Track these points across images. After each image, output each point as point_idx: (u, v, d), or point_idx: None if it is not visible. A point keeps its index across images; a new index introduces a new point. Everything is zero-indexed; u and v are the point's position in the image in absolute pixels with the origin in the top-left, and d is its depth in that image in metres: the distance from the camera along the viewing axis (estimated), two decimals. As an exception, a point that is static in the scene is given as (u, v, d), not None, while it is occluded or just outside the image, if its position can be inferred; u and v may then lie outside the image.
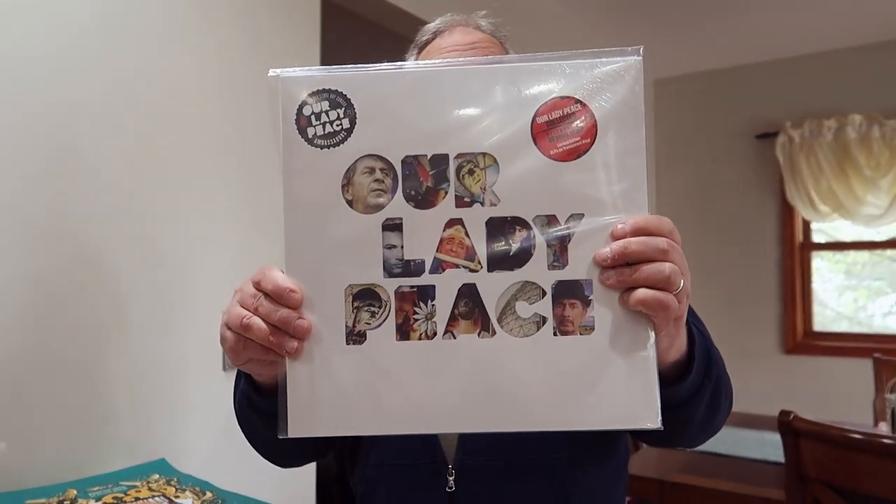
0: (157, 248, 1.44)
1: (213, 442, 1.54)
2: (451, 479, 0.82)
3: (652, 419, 0.58)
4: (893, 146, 3.34)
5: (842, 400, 3.38)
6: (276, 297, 0.59)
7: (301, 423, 0.60)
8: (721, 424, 0.80)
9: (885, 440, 1.36)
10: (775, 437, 1.98)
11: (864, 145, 3.39)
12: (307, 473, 1.75)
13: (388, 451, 0.86)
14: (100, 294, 1.33)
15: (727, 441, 2.08)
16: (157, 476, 1.28)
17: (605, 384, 0.59)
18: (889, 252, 3.58)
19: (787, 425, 1.51)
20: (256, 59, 1.64)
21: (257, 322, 0.59)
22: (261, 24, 1.67)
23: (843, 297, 3.71)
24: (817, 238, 3.74)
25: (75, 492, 1.16)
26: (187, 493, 1.19)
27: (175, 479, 1.27)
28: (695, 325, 0.72)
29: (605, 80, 0.60)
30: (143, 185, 1.41)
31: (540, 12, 2.90)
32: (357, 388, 0.60)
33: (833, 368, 3.51)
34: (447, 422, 0.61)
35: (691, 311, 0.73)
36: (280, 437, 0.60)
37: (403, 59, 0.95)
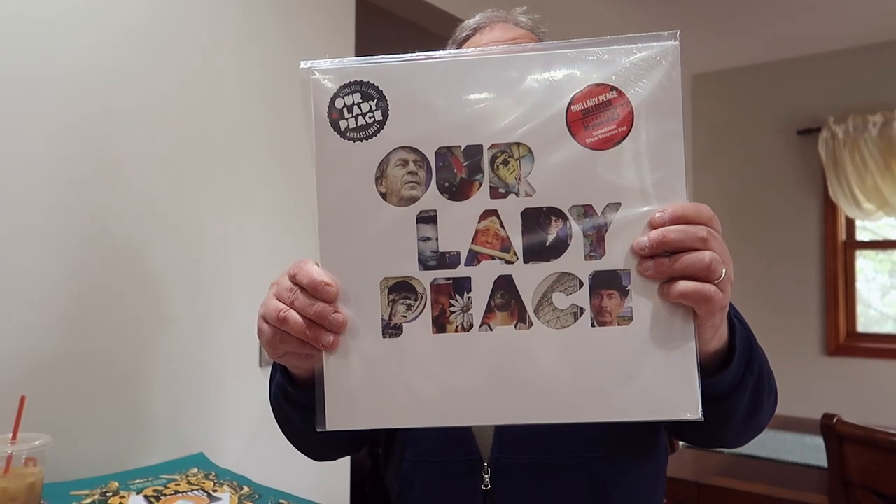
0: (194, 247, 1.46)
1: (250, 437, 1.56)
2: (486, 476, 0.81)
3: (692, 410, 0.57)
4: (942, 142, 3.23)
5: (886, 403, 3.29)
6: (312, 290, 0.59)
7: (338, 417, 0.60)
8: (764, 423, 0.78)
9: (934, 446, 1.32)
10: (816, 441, 1.94)
11: (912, 141, 3.29)
12: (342, 469, 1.77)
13: (423, 448, 0.86)
14: (139, 293, 1.36)
15: (766, 444, 2.04)
16: (195, 470, 1.30)
17: (645, 375, 0.58)
18: (937, 251, 3.47)
19: (831, 429, 1.48)
20: (293, 58, 1.66)
21: (293, 316, 0.60)
22: (297, 24, 1.68)
23: (887, 297, 3.60)
24: (861, 236, 3.64)
25: (117, 484, 1.18)
26: (225, 487, 1.21)
27: (213, 474, 1.29)
28: (736, 318, 0.71)
29: (642, 66, 0.58)
30: (181, 185, 1.44)
31: (575, 7, 2.87)
32: (394, 381, 0.60)
33: (877, 371, 3.42)
34: (484, 414, 0.60)
35: (731, 305, 0.72)
36: (318, 430, 0.60)
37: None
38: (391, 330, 0.60)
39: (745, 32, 3.39)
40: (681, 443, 2.19)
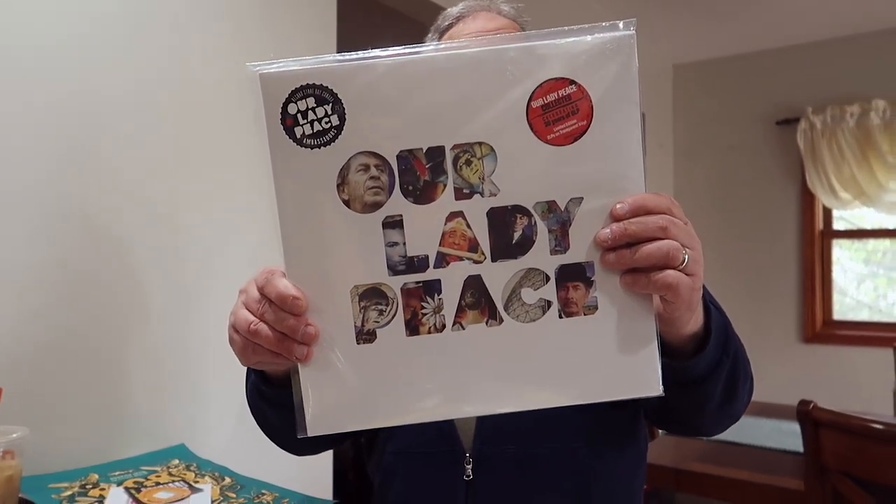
0: (177, 237, 1.45)
1: (232, 428, 1.55)
2: (468, 467, 0.82)
3: (654, 387, 0.61)
4: (918, 132, 3.28)
5: (861, 390, 3.35)
6: (280, 304, 0.58)
7: (319, 422, 0.61)
8: (741, 410, 0.79)
9: (907, 431, 1.35)
10: (793, 427, 1.97)
11: (888, 131, 3.33)
12: (324, 459, 1.77)
13: (405, 440, 0.87)
14: (120, 282, 1.35)
15: (744, 430, 2.07)
16: (176, 461, 1.29)
17: (609, 358, 0.60)
18: (911, 240, 3.53)
19: (807, 415, 1.50)
20: (276, 48, 1.64)
21: (264, 329, 0.60)
22: (278, 10, 1.66)
23: (862, 285, 3.67)
24: (838, 226, 3.69)
25: (97, 476, 1.17)
26: (206, 478, 1.21)
27: (194, 465, 1.28)
28: (712, 304, 0.71)
29: (599, 57, 0.58)
30: (164, 173, 1.42)
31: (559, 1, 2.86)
32: (372, 384, 0.60)
33: (852, 358, 3.48)
34: (462, 407, 0.62)
35: (709, 294, 0.72)
36: (299, 436, 0.60)
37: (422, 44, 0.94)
38: (365, 336, 0.60)
39: (725, 23, 3.41)
40: (660, 430, 2.22)
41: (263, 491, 1.16)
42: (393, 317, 0.60)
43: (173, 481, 1.18)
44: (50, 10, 1.24)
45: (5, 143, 1.18)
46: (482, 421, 0.83)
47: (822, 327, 3.61)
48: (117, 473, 1.20)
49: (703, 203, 3.83)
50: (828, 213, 3.67)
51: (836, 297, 3.65)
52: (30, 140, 1.21)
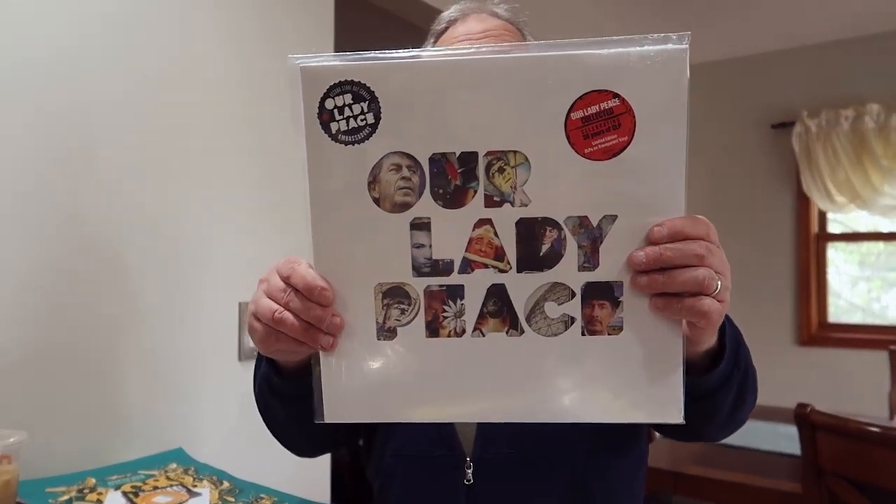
0: (171, 239, 1.44)
1: (229, 431, 1.55)
2: (469, 472, 0.82)
3: (675, 415, 0.59)
4: (912, 136, 3.29)
5: (856, 392, 3.36)
6: (308, 294, 0.59)
7: (336, 410, 0.61)
8: (745, 419, 0.80)
9: (903, 434, 1.35)
10: (789, 430, 1.98)
11: (882, 135, 3.34)
12: (322, 462, 1.76)
13: (405, 443, 0.86)
14: (115, 285, 1.34)
15: (740, 433, 2.05)
16: (174, 465, 1.29)
17: (631, 381, 0.59)
18: (905, 243, 3.54)
19: (805, 418, 1.50)
20: (271, 49, 1.64)
21: (289, 318, 0.60)
22: (274, 13, 1.66)
23: (856, 287, 3.68)
24: (832, 229, 3.70)
25: (94, 480, 1.17)
26: (205, 481, 1.20)
27: (192, 469, 1.28)
28: (728, 320, 0.71)
29: (647, 71, 0.55)
30: (157, 176, 1.42)
31: (558, 4, 2.87)
32: (388, 380, 0.61)
33: (847, 360, 3.49)
34: (477, 412, 0.62)
35: None
36: (316, 421, 0.61)
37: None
38: (385, 333, 0.60)
39: (720, 26, 3.42)
40: (657, 433, 2.22)
41: (262, 495, 1.16)
42: (414, 317, 0.60)
43: (171, 485, 1.17)
44: (42, 16, 1.24)
45: (2, 151, 1.18)
46: (483, 425, 0.83)
47: (817, 330, 3.62)
48: (115, 478, 1.19)
49: (698, 206, 3.83)
50: (823, 217, 3.68)
51: (831, 300, 3.66)
52: (24, 145, 1.21)
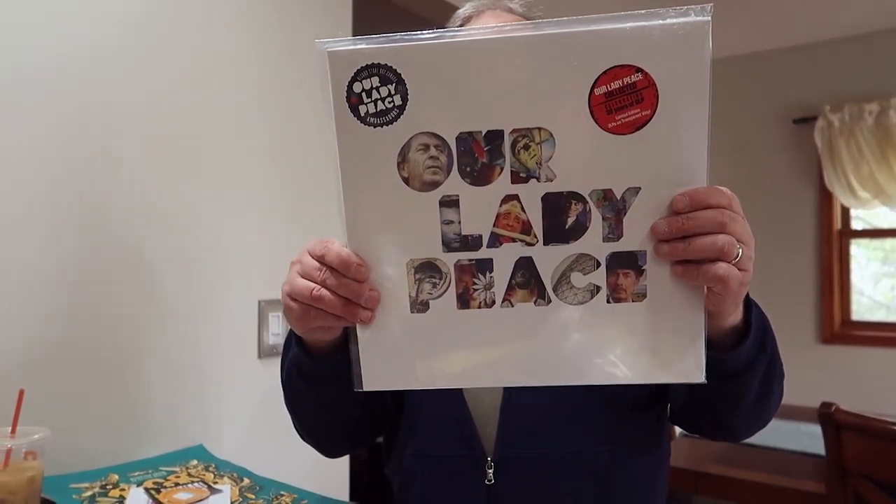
0: (191, 240, 1.45)
1: (249, 428, 1.55)
2: (490, 471, 0.81)
3: (697, 375, 0.61)
4: (938, 130, 3.23)
5: (878, 390, 3.31)
6: (344, 270, 0.61)
7: (373, 378, 0.65)
8: (770, 415, 0.79)
9: (931, 434, 1.33)
10: (812, 429, 1.95)
11: (907, 129, 3.29)
12: (341, 460, 1.77)
13: (425, 443, 0.86)
14: (137, 286, 1.35)
15: (763, 432, 2.05)
16: (195, 462, 1.30)
17: (655, 343, 0.61)
18: (931, 239, 3.48)
19: (829, 417, 1.48)
20: (291, 48, 1.64)
21: (327, 294, 0.62)
22: (293, 12, 1.67)
23: (879, 284, 3.62)
24: (856, 225, 3.65)
25: (117, 476, 1.18)
26: (225, 478, 1.21)
27: (213, 465, 1.29)
28: (753, 302, 0.72)
29: (669, 44, 0.56)
30: (178, 177, 1.42)
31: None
32: (422, 350, 0.64)
33: (870, 358, 3.44)
34: (508, 376, 0.65)
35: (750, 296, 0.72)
36: (355, 389, 0.65)
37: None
38: (419, 306, 0.63)
39: (740, 21, 3.37)
40: (677, 431, 2.20)
41: (282, 492, 1.16)
42: (446, 290, 0.62)
43: (192, 482, 1.18)
44: (61, 17, 1.25)
45: (24, 151, 1.19)
46: (503, 424, 0.82)
47: (840, 328, 3.57)
48: (137, 474, 1.20)
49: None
50: (846, 213, 3.63)
51: (854, 297, 3.61)
52: (45, 145, 1.22)
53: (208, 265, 1.48)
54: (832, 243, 3.58)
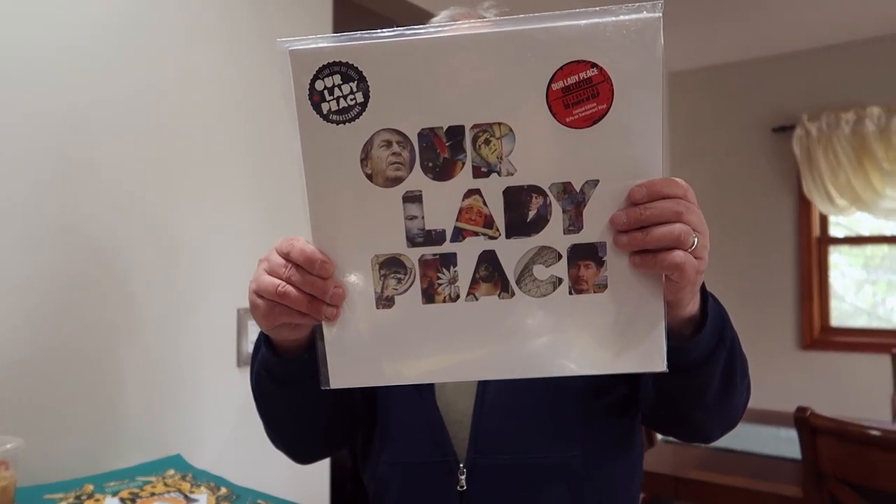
0: (170, 245, 1.45)
1: (227, 438, 1.55)
2: (462, 478, 0.81)
3: (658, 364, 0.62)
4: (913, 138, 3.29)
5: (859, 396, 3.35)
6: (309, 267, 0.62)
7: (341, 376, 0.65)
8: (737, 409, 0.79)
9: (904, 437, 1.35)
10: (791, 434, 1.97)
11: (883, 138, 3.34)
12: (321, 469, 1.76)
13: (399, 450, 0.86)
14: (114, 292, 1.34)
15: (742, 437, 2.07)
16: (172, 471, 1.29)
17: (617, 334, 0.62)
18: (908, 246, 3.53)
19: (804, 422, 1.50)
20: (270, 57, 1.65)
21: (292, 291, 0.63)
22: (273, 20, 1.67)
23: (861, 291, 3.67)
24: (836, 232, 3.69)
25: (92, 487, 1.17)
26: (202, 488, 1.20)
27: (190, 475, 1.28)
28: (711, 296, 0.72)
29: (622, 40, 0.57)
30: (157, 181, 1.42)
31: (550, 4, 2.88)
32: (389, 345, 0.64)
33: (850, 364, 3.47)
34: (474, 370, 0.65)
35: (707, 290, 0.73)
36: (322, 388, 0.64)
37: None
38: (384, 301, 0.63)
39: (721, 31, 3.42)
40: (659, 437, 2.21)
41: (259, 501, 1.16)
42: (410, 285, 0.63)
43: (169, 492, 1.17)
44: (39, 20, 1.25)
45: (1, 157, 1.18)
46: (476, 430, 0.82)
47: (819, 334, 3.61)
48: (112, 484, 1.19)
49: (701, 210, 3.83)
50: (824, 220, 3.68)
51: (835, 303, 3.65)
52: (23, 149, 1.22)
53: (187, 273, 1.48)
54: (811, 250, 3.62)
